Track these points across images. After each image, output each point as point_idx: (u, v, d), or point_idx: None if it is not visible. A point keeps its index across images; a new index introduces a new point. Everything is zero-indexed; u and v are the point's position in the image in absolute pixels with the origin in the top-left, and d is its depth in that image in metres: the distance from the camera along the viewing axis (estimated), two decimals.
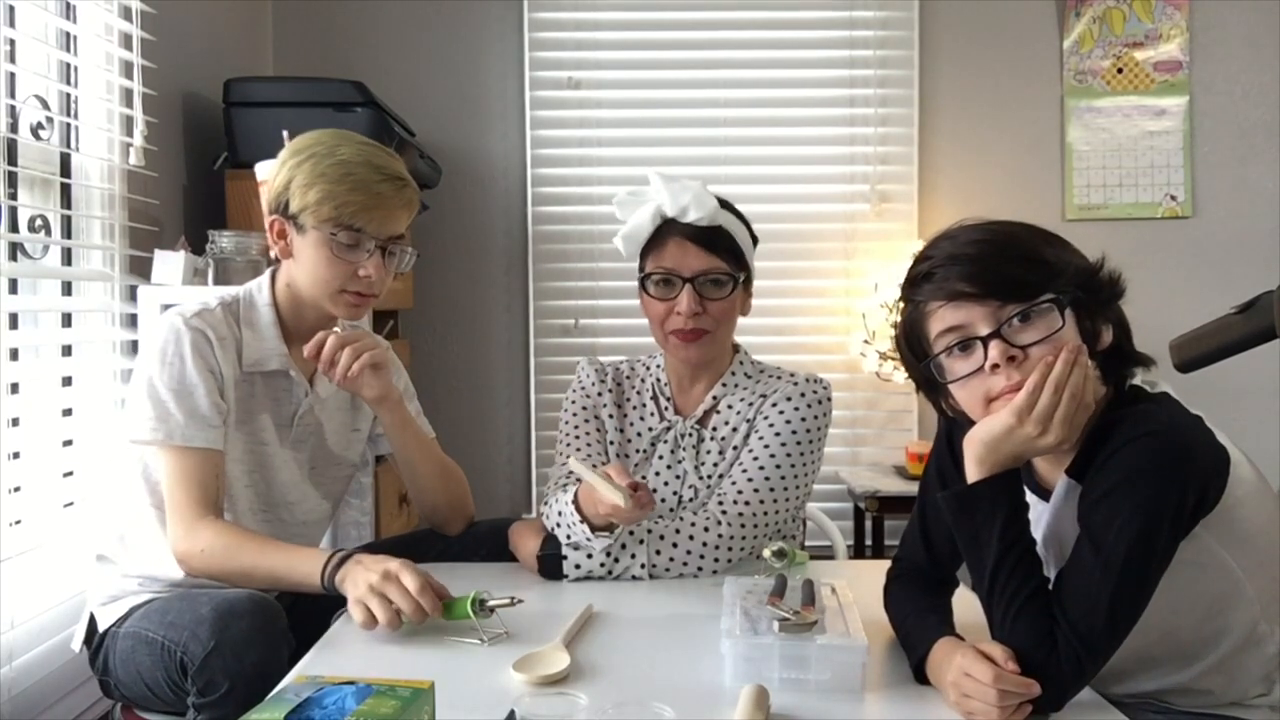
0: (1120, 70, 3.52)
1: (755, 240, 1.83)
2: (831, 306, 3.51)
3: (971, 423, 1.22)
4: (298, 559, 1.52)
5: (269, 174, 1.71)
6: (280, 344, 1.69)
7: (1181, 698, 1.29)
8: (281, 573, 1.53)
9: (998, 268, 1.17)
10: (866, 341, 3.33)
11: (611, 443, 1.83)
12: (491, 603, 1.36)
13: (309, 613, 1.52)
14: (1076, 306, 1.18)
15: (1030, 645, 1.11)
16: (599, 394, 1.87)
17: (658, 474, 1.81)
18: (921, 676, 1.21)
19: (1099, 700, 1.18)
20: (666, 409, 1.83)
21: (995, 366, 1.16)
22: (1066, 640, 1.11)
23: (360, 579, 1.40)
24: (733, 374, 1.82)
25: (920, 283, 1.22)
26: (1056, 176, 3.52)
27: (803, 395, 1.76)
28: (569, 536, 1.66)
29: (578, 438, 1.82)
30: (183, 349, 1.59)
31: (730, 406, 1.79)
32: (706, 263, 1.74)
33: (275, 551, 1.55)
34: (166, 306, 2.19)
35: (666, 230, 1.76)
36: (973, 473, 1.19)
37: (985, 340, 1.17)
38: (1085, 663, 1.11)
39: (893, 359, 3.28)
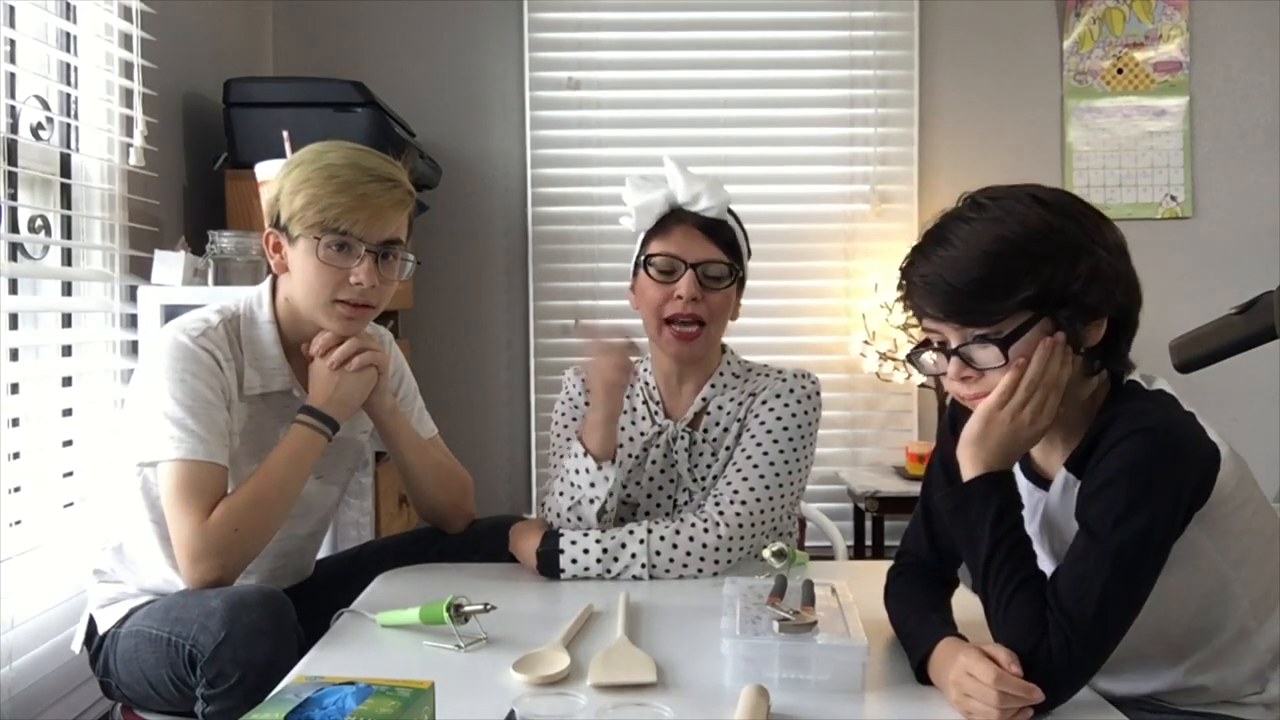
0: (1120, 70, 3.52)
1: (749, 252, 1.84)
2: (831, 306, 3.51)
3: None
4: (285, 443, 1.59)
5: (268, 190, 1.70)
6: (284, 363, 1.67)
7: (1176, 697, 1.30)
8: (292, 459, 1.58)
9: (963, 298, 1.20)
10: (866, 342, 3.33)
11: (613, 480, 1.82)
12: (467, 608, 1.35)
13: (310, 612, 1.52)
14: (1054, 318, 1.19)
15: (1020, 632, 1.13)
16: (586, 403, 1.86)
17: (651, 479, 1.81)
18: (923, 676, 1.21)
19: (1099, 700, 1.18)
20: (657, 413, 1.83)
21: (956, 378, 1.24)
22: (1057, 626, 1.11)
23: (319, 376, 1.63)
24: (721, 374, 1.82)
25: (907, 289, 1.28)
26: (1056, 176, 3.52)
27: (792, 391, 1.76)
28: (576, 486, 1.69)
29: (570, 443, 1.82)
30: (194, 367, 1.56)
31: (720, 407, 1.79)
32: (710, 252, 1.75)
33: (276, 460, 1.58)
34: (167, 307, 2.21)
35: (674, 218, 1.77)
36: (967, 472, 1.22)
37: (949, 353, 1.24)
38: (1075, 650, 1.11)
39: (893, 359, 3.28)
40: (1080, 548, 1.15)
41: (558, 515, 1.74)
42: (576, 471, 1.72)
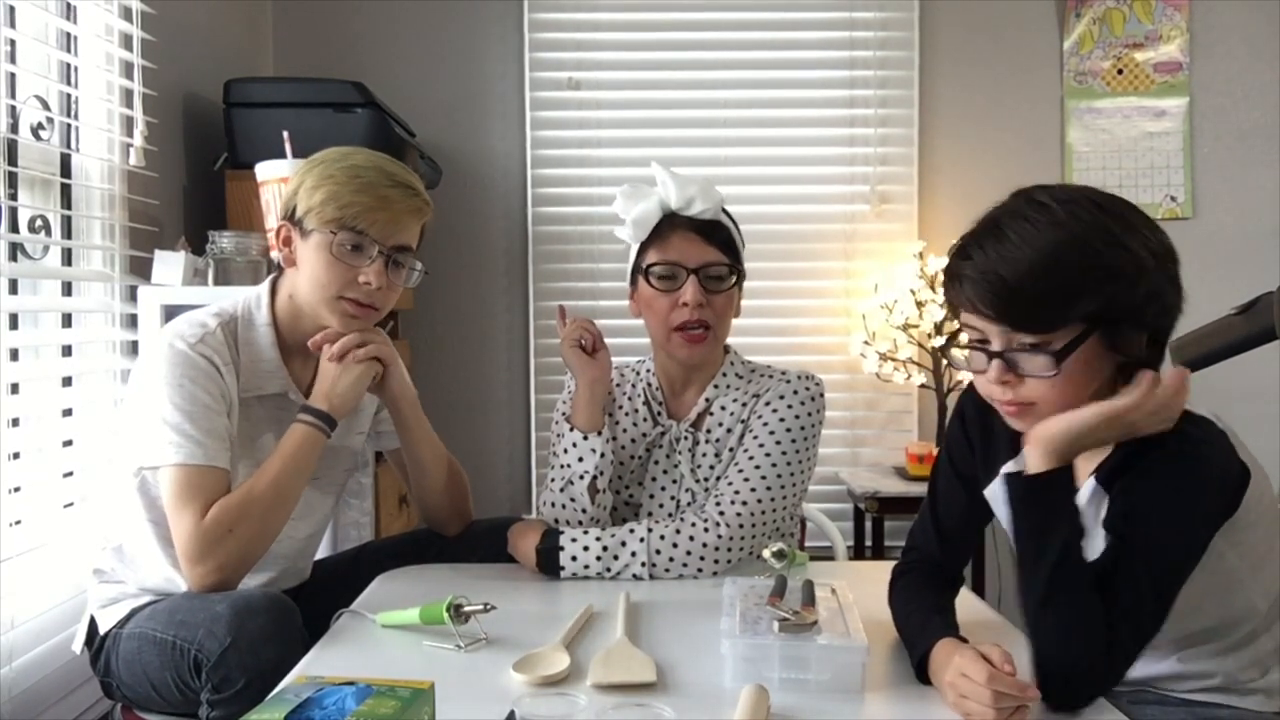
0: (1120, 71, 3.52)
1: (743, 244, 1.84)
2: (831, 307, 3.51)
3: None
4: (283, 442, 1.60)
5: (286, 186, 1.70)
6: (280, 365, 1.67)
7: (1172, 683, 1.32)
8: (288, 458, 1.58)
9: (1021, 299, 1.16)
10: (866, 342, 3.33)
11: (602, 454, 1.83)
12: (467, 608, 1.35)
13: (310, 613, 1.52)
14: (1101, 330, 1.17)
15: (1083, 636, 1.11)
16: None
17: (654, 479, 1.81)
18: (924, 675, 1.21)
19: (1100, 701, 1.18)
20: (660, 414, 1.83)
21: (993, 381, 1.21)
22: (1116, 635, 1.12)
23: (323, 372, 1.64)
24: (724, 375, 1.82)
25: (954, 280, 1.23)
26: (1056, 177, 3.51)
27: (795, 393, 1.76)
28: (566, 466, 1.73)
29: (560, 438, 1.82)
30: (192, 373, 1.56)
31: (724, 408, 1.79)
32: (710, 255, 1.75)
33: (274, 460, 1.58)
34: (167, 307, 2.21)
35: (669, 224, 1.76)
36: (1040, 461, 1.17)
37: (991, 355, 1.20)
38: (1131, 655, 1.13)
39: (893, 359, 3.28)
40: (1129, 567, 1.15)
41: (551, 505, 1.75)
42: (565, 450, 1.75)
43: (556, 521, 1.75)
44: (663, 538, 1.65)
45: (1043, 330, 1.16)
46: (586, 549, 1.64)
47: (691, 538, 1.65)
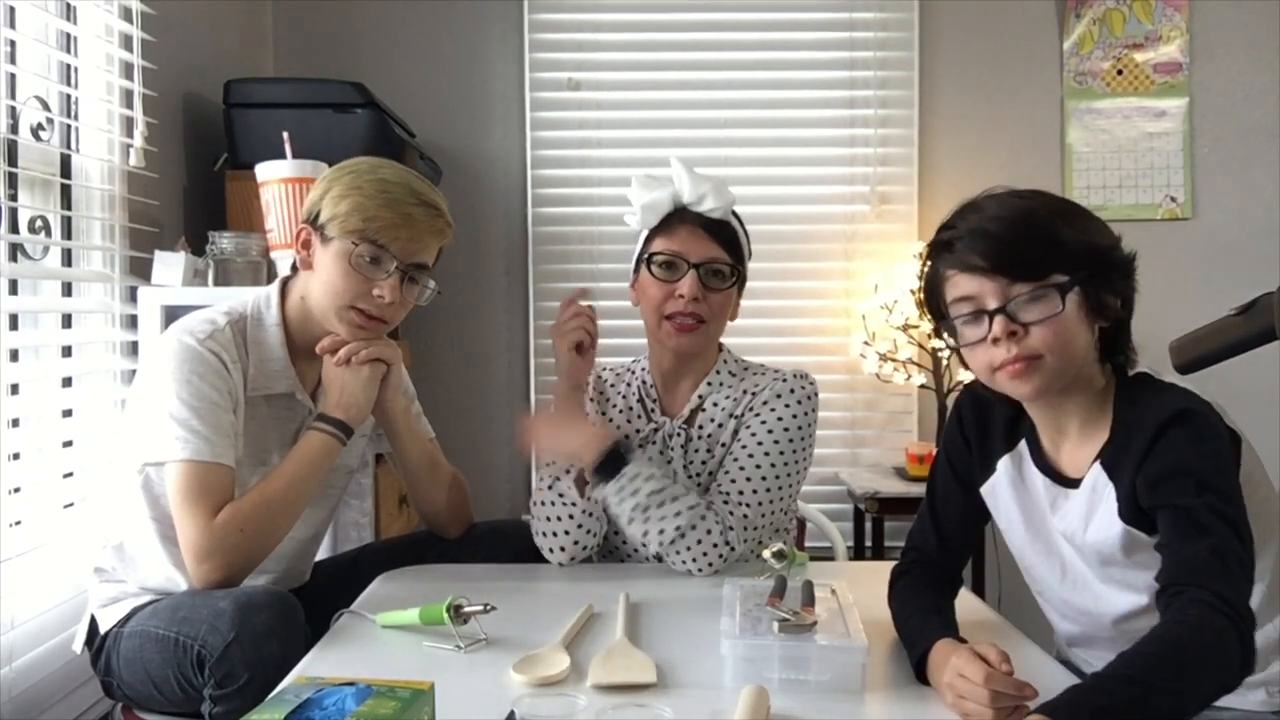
0: (1120, 72, 3.52)
1: (750, 253, 1.85)
2: (831, 307, 3.51)
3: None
4: (297, 447, 1.62)
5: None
6: (288, 365, 1.68)
7: None
8: (301, 463, 1.60)
9: (1012, 247, 1.23)
10: (866, 343, 3.33)
11: None
12: (467, 609, 1.35)
13: (310, 613, 1.52)
14: (1085, 284, 1.24)
15: (1217, 645, 1.08)
16: (592, 401, 1.87)
17: None
18: (922, 675, 1.21)
19: None
20: (653, 410, 1.84)
21: (997, 340, 1.24)
22: (1222, 614, 1.09)
23: (329, 380, 1.66)
24: (717, 372, 1.83)
25: (941, 250, 1.29)
26: (1056, 178, 3.51)
27: (792, 392, 1.77)
28: (551, 461, 1.75)
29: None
30: (200, 369, 1.57)
31: (716, 404, 1.80)
32: (713, 252, 1.76)
33: (288, 463, 1.60)
34: (167, 308, 2.21)
35: (679, 217, 1.77)
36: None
37: (991, 314, 1.24)
38: (1248, 582, 1.13)
39: (893, 360, 3.28)
40: (1185, 529, 1.16)
41: (540, 504, 1.76)
42: (565, 486, 1.74)
43: (547, 519, 1.75)
44: (694, 527, 1.65)
45: (1036, 276, 1.22)
46: (650, 478, 1.64)
47: (708, 532, 1.65)
